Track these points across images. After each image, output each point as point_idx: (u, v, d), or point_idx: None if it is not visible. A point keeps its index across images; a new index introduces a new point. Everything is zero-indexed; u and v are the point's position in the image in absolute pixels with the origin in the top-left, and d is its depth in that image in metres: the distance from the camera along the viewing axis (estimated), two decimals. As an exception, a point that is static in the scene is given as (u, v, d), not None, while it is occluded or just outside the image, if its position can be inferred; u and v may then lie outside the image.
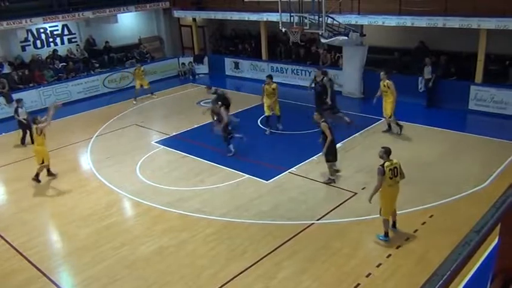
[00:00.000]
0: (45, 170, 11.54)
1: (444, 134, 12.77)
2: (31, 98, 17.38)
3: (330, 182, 10.24)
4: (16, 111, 13.91)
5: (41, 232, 9.28)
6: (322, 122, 9.99)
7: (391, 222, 8.13)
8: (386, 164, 7.50)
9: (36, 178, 11.31)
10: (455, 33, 14.36)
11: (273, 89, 13.39)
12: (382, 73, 12.69)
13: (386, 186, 7.54)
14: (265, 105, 13.49)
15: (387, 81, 12.39)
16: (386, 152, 7.62)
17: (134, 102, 17.87)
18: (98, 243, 8.58)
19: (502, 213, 2.04)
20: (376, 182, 7.60)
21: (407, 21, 14.62)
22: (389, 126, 12.97)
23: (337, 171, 10.53)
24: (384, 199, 7.75)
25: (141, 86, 18.02)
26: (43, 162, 11.30)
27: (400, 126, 12.72)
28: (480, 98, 14.18)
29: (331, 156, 10.09)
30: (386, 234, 7.98)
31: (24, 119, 13.78)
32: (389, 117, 12.63)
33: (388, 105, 12.53)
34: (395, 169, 7.54)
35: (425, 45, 16.11)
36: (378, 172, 7.51)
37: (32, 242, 8.77)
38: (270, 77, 13.87)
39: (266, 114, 13.57)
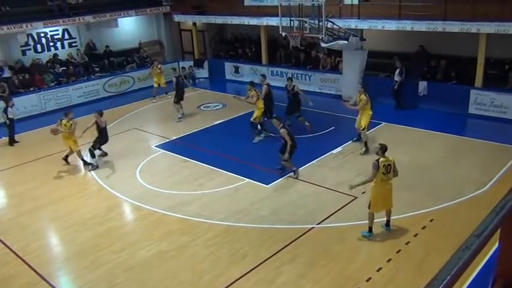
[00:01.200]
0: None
1: (444, 138, 12.77)
2: (31, 102, 17.42)
3: (293, 171, 10.84)
4: (5, 110, 14.20)
5: (40, 236, 9.27)
6: (281, 128, 10.57)
7: (384, 221, 8.28)
8: (382, 159, 7.73)
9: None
10: (455, 37, 14.40)
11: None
12: (359, 86, 12.39)
13: (379, 181, 7.77)
14: (259, 110, 13.26)
15: (362, 95, 11.82)
16: (382, 149, 7.84)
17: (154, 101, 18.44)
18: (97, 247, 8.56)
19: (502, 217, 2.03)
20: (370, 174, 7.85)
21: (407, 25, 14.65)
22: (359, 136, 12.38)
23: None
24: (374, 193, 7.95)
25: (159, 84, 18.47)
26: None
27: (367, 148, 11.90)
28: (480, 102, 14.20)
29: (290, 156, 10.67)
30: (370, 230, 8.13)
31: (11, 119, 14.16)
32: (362, 129, 11.96)
33: (363, 118, 11.90)
34: (389, 166, 7.76)
35: (425, 50, 16.14)
36: (373, 166, 7.74)
37: (31, 246, 8.75)
38: (263, 76, 14.28)
39: (260, 120, 13.37)
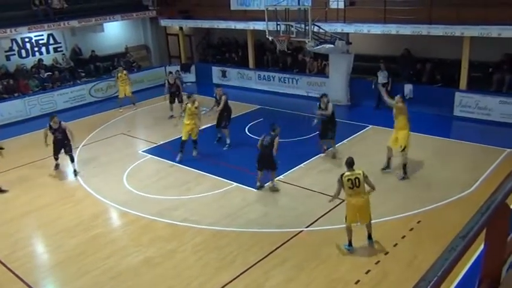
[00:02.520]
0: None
1: (430, 140, 12.88)
2: (16, 108, 17.20)
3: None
4: None
5: (25, 244, 9.11)
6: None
7: (366, 234, 8.01)
8: (346, 173, 7.54)
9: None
10: (439, 40, 14.58)
11: (196, 108, 12.24)
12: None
13: (347, 196, 7.59)
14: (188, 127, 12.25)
15: (399, 104, 10.70)
16: (347, 163, 7.66)
17: (120, 111, 17.71)
18: (83, 254, 8.46)
19: (487, 218, 2.05)
20: (336, 188, 7.80)
21: (392, 29, 14.79)
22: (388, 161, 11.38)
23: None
24: (346, 208, 7.76)
25: (125, 94, 17.67)
26: None
27: (405, 172, 10.75)
28: (465, 104, 14.37)
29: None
30: (349, 243, 7.90)
31: None
32: (402, 150, 10.74)
33: (401, 134, 10.75)
34: (357, 179, 7.46)
35: (410, 53, 16.31)
36: (337, 181, 7.69)
37: (16, 254, 8.61)
38: (217, 86, 13.91)
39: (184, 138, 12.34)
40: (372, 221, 8.18)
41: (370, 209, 7.82)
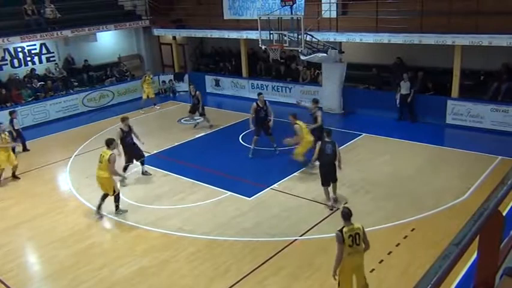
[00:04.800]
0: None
1: (423, 148, 12.96)
2: (9, 117, 17.03)
3: (330, 207, 9.80)
4: (11, 122, 14.32)
5: (17, 255, 9.03)
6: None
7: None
8: (346, 229, 6.13)
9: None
10: (431, 49, 14.71)
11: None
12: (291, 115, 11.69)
13: (346, 255, 6.13)
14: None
15: (296, 122, 11.43)
16: (345, 215, 6.25)
17: (142, 112, 18.58)
18: (77, 265, 8.38)
19: (480, 225, 2.07)
20: (336, 250, 6.19)
21: (384, 38, 14.91)
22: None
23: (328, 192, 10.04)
24: (343, 272, 6.26)
25: (148, 96, 18.85)
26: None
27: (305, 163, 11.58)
28: (457, 112, 14.48)
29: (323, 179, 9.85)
30: None
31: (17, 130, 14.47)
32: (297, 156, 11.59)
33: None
34: (358, 235, 6.15)
35: (402, 61, 16.44)
36: (336, 239, 6.14)
37: (8, 265, 8.52)
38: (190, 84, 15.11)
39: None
40: (365, 230, 8.17)
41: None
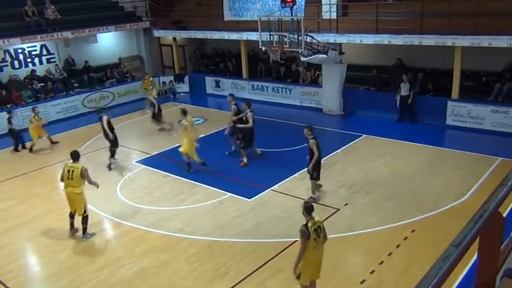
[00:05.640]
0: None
1: (424, 149, 12.95)
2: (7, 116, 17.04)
3: (311, 200, 10.16)
4: (10, 121, 15.02)
5: (18, 256, 9.02)
6: (311, 138, 9.77)
7: None
8: (310, 223, 6.25)
9: None
10: (431, 50, 14.71)
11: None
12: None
13: (311, 249, 6.23)
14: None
15: (185, 119, 12.03)
16: (307, 209, 6.36)
17: (148, 111, 18.31)
18: (76, 266, 8.38)
19: (480, 227, 2.06)
20: (301, 245, 6.26)
21: (385, 39, 14.91)
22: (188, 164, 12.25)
23: (320, 186, 10.52)
24: (307, 264, 6.35)
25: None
26: None
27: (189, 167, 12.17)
28: (457, 113, 14.48)
29: (315, 173, 10.05)
30: None
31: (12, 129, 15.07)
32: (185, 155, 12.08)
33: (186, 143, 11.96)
34: (319, 228, 6.33)
35: (402, 63, 16.44)
36: (302, 234, 6.20)
37: (8, 266, 8.52)
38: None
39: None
40: (365, 231, 8.18)
41: None
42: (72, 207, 9.35)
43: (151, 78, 18.93)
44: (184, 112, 12.23)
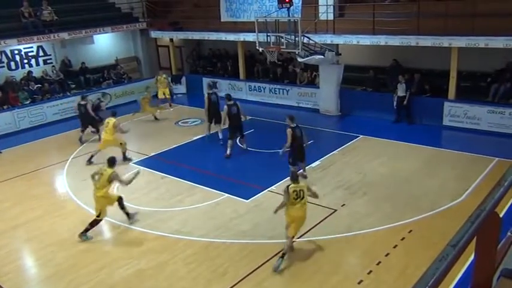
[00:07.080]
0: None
1: (420, 149, 12.99)
2: (5, 120, 17.03)
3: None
4: None
5: (15, 258, 9.00)
6: (289, 127, 10.86)
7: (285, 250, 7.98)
8: (292, 185, 7.85)
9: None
10: (427, 51, 14.75)
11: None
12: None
13: (290, 205, 7.85)
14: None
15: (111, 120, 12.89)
16: (293, 176, 8.11)
17: (171, 109, 19.08)
18: (74, 267, 8.36)
19: (477, 227, 2.07)
20: (283, 199, 8.02)
21: (381, 40, 14.95)
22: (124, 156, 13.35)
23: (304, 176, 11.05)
24: (287, 215, 8.03)
25: (164, 94, 19.11)
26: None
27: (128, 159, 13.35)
28: (454, 114, 14.52)
29: (290, 159, 10.94)
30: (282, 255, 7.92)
31: None
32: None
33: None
34: (301, 191, 7.84)
35: (399, 63, 16.48)
36: (284, 192, 7.94)
37: (5, 268, 8.48)
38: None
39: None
40: (363, 231, 8.17)
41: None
42: (97, 208, 9.42)
43: (164, 75, 19.28)
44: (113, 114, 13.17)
